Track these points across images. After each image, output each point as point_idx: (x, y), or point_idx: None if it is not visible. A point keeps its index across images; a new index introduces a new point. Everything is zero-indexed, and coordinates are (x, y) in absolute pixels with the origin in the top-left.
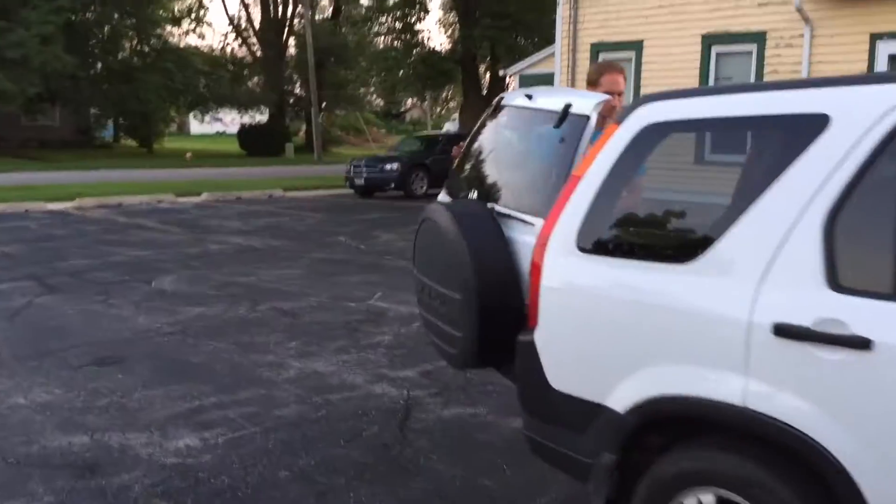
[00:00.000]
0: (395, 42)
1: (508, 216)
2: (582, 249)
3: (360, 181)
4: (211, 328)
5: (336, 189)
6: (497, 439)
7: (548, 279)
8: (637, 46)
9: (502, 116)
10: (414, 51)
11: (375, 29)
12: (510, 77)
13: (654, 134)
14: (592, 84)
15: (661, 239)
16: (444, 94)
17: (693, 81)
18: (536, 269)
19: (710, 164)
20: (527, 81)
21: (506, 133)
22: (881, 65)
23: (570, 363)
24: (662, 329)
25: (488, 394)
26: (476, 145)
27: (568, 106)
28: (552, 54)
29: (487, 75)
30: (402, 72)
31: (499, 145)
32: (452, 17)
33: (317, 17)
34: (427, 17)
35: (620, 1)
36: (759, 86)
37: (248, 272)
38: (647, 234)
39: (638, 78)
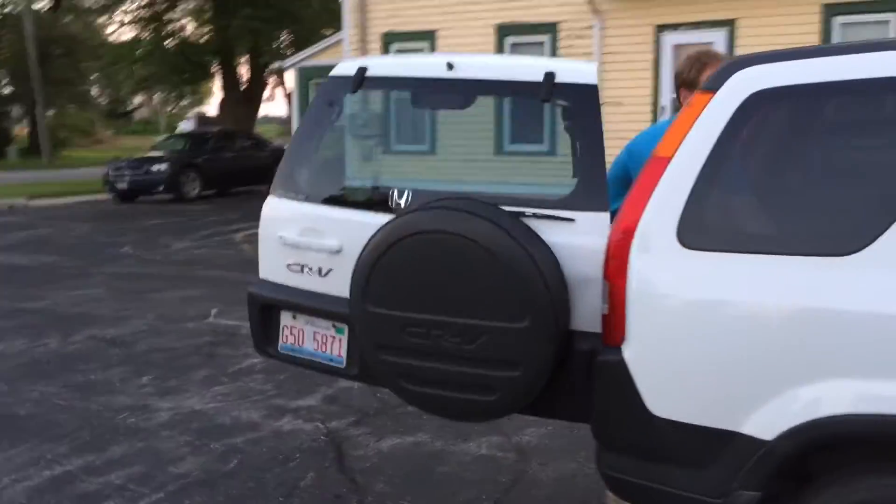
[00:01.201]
0: (144, 33)
1: (525, 215)
2: (687, 245)
3: (122, 185)
4: (23, 369)
5: (89, 195)
6: (461, 469)
7: (640, 283)
8: (430, 37)
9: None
10: (166, 42)
11: (119, 18)
12: (287, 70)
13: (765, 102)
14: (688, 85)
15: (808, 228)
16: (176, 92)
17: None
18: (617, 272)
19: (838, 135)
20: (308, 74)
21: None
22: (666, 55)
23: (683, 384)
24: (829, 336)
25: (413, 415)
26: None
27: (551, 74)
28: (336, 44)
29: (248, 69)
30: (152, 66)
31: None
32: (209, 6)
33: (34, 6)
34: (180, 6)
35: None
36: None
37: (35, 296)
38: (787, 223)
39: None
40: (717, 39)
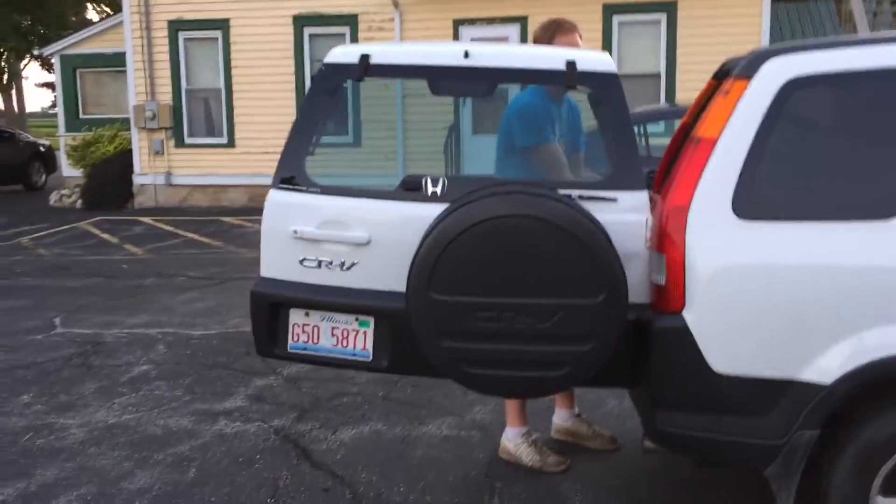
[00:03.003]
0: None
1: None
2: (743, 216)
3: None
4: None
5: None
6: (437, 451)
7: (699, 253)
8: (223, 25)
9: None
10: None
11: None
12: (50, 57)
13: (801, 88)
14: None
15: (852, 196)
16: None
17: (287, 63)
18: (673, 245)
19: (868, 116)
20: (72, 62)
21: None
22: None
23: (745, 342)
24: (881, 289)
25: (350, 406)
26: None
27: (573, 63)
28: (108, 30)
29: None
30: None
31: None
32: None
33: None
34: None
35: None
36: None
37: None
38: (834, 192)
39: (227, 58)
40: (510, 34)
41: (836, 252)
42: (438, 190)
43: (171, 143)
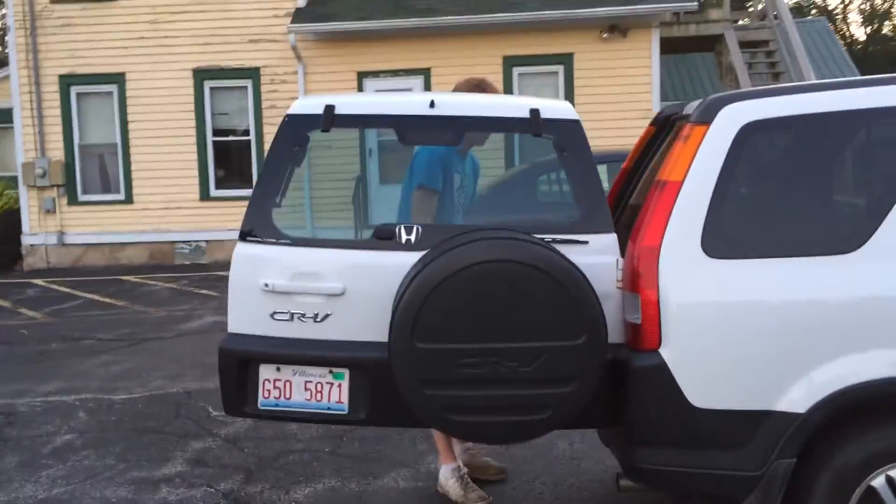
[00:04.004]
0: None
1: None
2: (712, 255)
3: None
4: None
5: None
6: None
7: (673, 292)
8: (118, 79)
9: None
10: None
11: None
12: None
13: (756, 132)
14: None
15: (814, 232)
16: None
17: (188, 115)
18: (647, 284)
19: (818, 159)
20: None
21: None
22: None
23: (721, 376)
24: (848, 319)
25: (304, 463)
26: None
27: (536, 111)
28: None
29: None
30: None
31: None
32: None
33: None
34: None
35: (91, 31)
36: (867, 81)
37: None
38: (796, 229)
39: (123, 113)
40: (414, 85)
41: (801, 286)
42: (413, 238)
43: (64, 200)
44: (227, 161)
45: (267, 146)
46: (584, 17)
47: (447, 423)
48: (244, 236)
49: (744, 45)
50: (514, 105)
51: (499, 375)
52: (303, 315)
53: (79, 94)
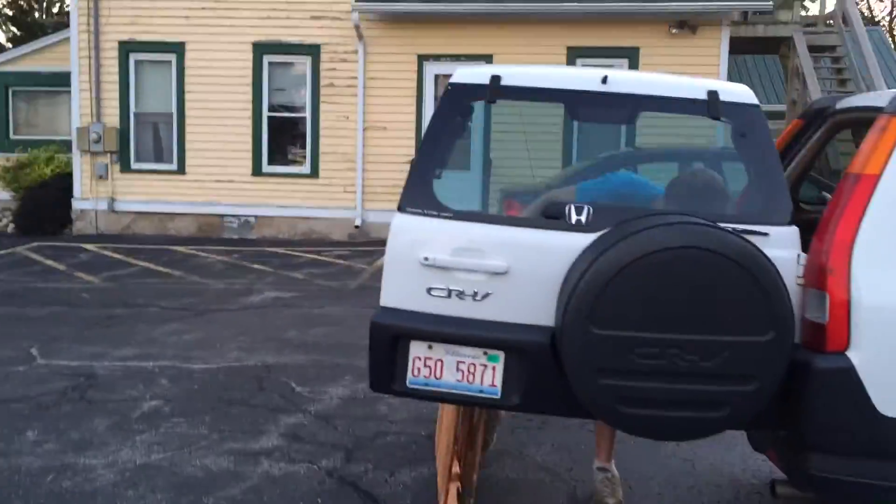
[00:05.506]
0: None
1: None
2: None
3: None
4: None
5: None
6: (522, 499)
7: (866, 291)
8: (178, 49)
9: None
10: None
11: None
12: None
13: None
14: None
15: None
16: None
17: (245, 89)
18: (838, 283)
19: None
20: (4, 80)
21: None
22: (429, 83)
23: None
24: None
25: (403, 445)
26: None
27: (715, 93)
28: (52, 47)
29: None
30: None
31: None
32: None
33: None
34: None
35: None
36: None
37: None
38: None
39: (181, 83)
40: None
41: None
42: (583, 218)
43: (117, 167)
44: (281, 138)
45: (323, 125)
46: (652, 11)
47: (617, 415)
48: (403, 208)
49: (811, 49)
50: (691, 86)
51: (677, 368)
52: (461, 292)
53: (137, 62)
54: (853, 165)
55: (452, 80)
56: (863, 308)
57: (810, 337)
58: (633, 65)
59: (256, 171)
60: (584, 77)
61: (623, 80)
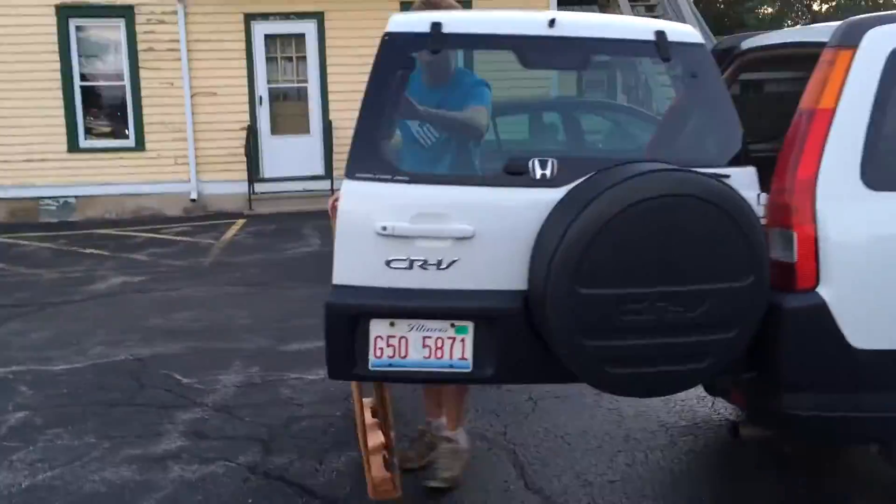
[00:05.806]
0: None
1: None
2: (873, 187)
3: None
4: None
5: None
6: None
7: (833, 227)
8: None
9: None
10: None
11: None
12: None
13: None
14: None
15: None
16: None
17: (51, 57)
18: (803, 220)
19: None
20: None
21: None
22: (258, 44)
23: (885, 315)
24: None
25: (322, 429)
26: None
27: (662, 33)
28: None
29: None
30: None
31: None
32: None
33: None
34: None
35: None
36: None
37: None
38: None
39: None
40: (307, 30)
41: None
42: (548, 173)
43: None
44: (99, 109)
45: (145, 93)
46: None
47: (603, 376)
48: (352, 174)
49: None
50: (638, 26)
51: (665, 322)
52: (424, 262)
53: None
54: (805, 101)
55: (389, 28)
56: (830, 243)
57: (778, 277)
58: None
59: (73, 146)
60: (531, 21)
61: (570, 23)
